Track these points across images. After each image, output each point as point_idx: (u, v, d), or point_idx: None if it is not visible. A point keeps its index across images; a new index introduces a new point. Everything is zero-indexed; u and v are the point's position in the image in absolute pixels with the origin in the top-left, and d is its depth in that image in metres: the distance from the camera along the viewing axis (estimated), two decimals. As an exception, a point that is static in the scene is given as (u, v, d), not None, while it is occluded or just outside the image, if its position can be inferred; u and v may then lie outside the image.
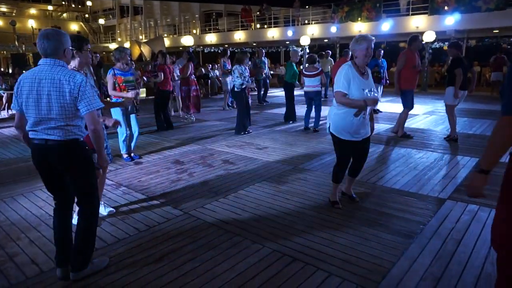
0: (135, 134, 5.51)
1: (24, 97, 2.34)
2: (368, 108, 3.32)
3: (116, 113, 5.18)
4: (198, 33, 25.81)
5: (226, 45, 23.52)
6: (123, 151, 5.48)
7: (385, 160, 5.28)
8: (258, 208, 3.69)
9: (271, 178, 4.59)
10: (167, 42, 24.80)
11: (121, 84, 5.15)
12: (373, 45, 3.25)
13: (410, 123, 8.01)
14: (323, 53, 12.95)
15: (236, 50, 12.45)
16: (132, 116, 5.45)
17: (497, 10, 13.55)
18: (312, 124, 7.53)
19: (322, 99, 8.01)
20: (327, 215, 3.51)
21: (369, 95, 3.24)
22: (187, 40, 17.81)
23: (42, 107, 2.30)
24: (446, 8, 14.71)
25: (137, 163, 5.34)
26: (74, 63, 3.03)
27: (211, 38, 24.09)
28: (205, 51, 24.43)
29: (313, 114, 7.56)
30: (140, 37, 29.41)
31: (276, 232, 3.19)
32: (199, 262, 2.73)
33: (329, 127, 3.50)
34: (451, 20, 14.28)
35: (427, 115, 9.17)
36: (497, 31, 15.56)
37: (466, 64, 6.02)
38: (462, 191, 4.08)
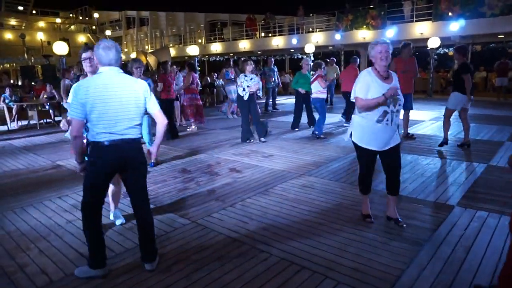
0: (147, 138, 5.56)
1: (99, 103, 2.49)
2: (393, 115, 3.16)
3: None
4: (203, 43, 26.04)
5: (231, 54, 23.72)
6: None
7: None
8: (265, 216, 3.70)
9: (278, 186, 4.59)
10: (172, 52, 25.04)
11: None
12: (390, 48, 3.15)
13: (416, 129, 7.98)
14: (328, 60, 12.99)
15: (240, 58, 12.54)
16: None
17: (502, 16, 13.53)
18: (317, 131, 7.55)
19: (327, 106, 8.03)
20: (335, 222, 3.50)
21: (391, 99, 3.12)
22: (193, 50, 17.86)
23: (120, 109, 2.54)
24: (450, 14, 14.71)
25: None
26: (88, 70, 3.24)
27: (216, 47, 24.31)
28: (211, 60, 24.63)
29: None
30: (146, 47, 29.79)
31: (284, 240, 3.18)
32: (207, 271, 2.73)
33: (350, 135, 3.40)
34: (455, 26, 14.28)
35: (434, 121, 9.12)
36: (502, 36, 15.50)
37: (472, 70, 6.01)
38: (471, 197, 4.05)
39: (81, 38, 36.52)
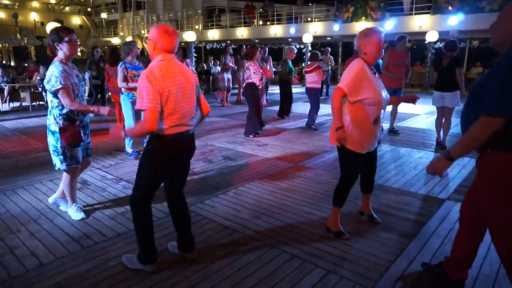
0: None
1: (174, 92, 2.30)
2: (382, 112, 2.92)
3: (126, 107, 5.20)
4: (200, 29, 25.73)
5: (229, 41, 23.49)
6: (128, 146, 5.49)
7: (385, 159, 5.29)
8: (257, 204, 3.70)
9: (271, 175, 4.60)
10: (169, 37, 24.74)
11: (133, 78, 5.18)
12: (382, 39, 2.81)
13: (411, 123, 8.01)
14: (323, 49, 12.92)
15: (242, 46, 12.44)
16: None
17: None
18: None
19: (322, 97, 8.01)
20: (327, 213, 3.51)
21: (386, 97, 2.88)
22: (190, 36, 17.71)
23: (189, 99, 2.42)
24: (449, 8, 14.65)
25: (137, 157, 5.35)
26: (60, 55, 3.11)
27: (213, 34, 24.04)
28: (207, 47, 24.39)
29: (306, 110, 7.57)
30: (143, 32, 29.35)
31: (275, 229, 3.20)
32: (197, 258, 2.74)
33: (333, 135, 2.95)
34: (454, 20, 14.23)
35: (428, 115, 9.15)
36: (500, 32, 15.48)
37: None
38: (462, 192, 4.09)
39: (76, 20, 35.96)
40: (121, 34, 32.52)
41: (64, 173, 3.34)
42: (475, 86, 2.01)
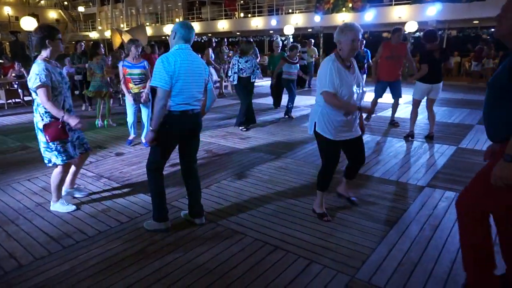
0: (146, 124, 5.52)
1: (183, 76, 2.79)
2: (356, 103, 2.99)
3: (128, 105, 5.55)
4: (181, 22, 25.40)
5: (210, 34, 23.26)
6: (133, 134, 5.78)
7: (366, 148, 5.34)
8: (240, 197, 3.71)
9: (254, 168, 4.60)
10: (149, 31, 24.32)
11: (126, 77, 5.32)
12: (360, 36, 2.88)
13: (391, 113, 8.11)
14: (306, 41, 12.93)
15: (224, 39, 12.31)
16: (143, 106, 5.57)
17: (477, 1, 13.76)
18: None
19: (305, 88, 8.06)
20: (308, 203, 3.54)
21: (358, 91, 2.96)
22: (170, 29, 17.44)
23: (197, 83, 2.91)
24: (427, -2, 14.86)
25: (118, 154, 5.27)
26: (46, 53, 3.13)
27: (194, 27, 23.63)
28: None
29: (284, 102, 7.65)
30: (122, 25, 28.76)
31: (258, 221, 3.21)
32: (181, 253, 2.73)
33: (314, 127, 3.08)
34: (433, 11, 14.45)
35: (408, 104, 9.26)
36: (477, 22, 15.82)
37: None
38: (441, 178, 4.19)
39: (52, 14, 34.92)
40: (100, 28, 31.80)
41: (58, 168, 3.32)
42: (499, 80, 1.96)
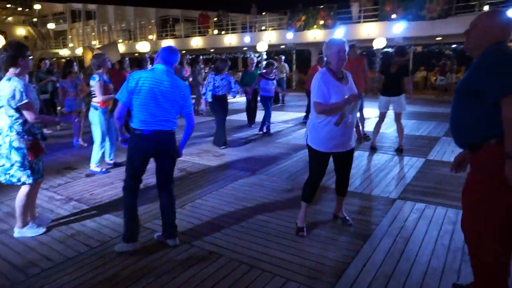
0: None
1: (143, 93, 2.87)
2: (350, 116, 3.05)
3: (100, 122, 5.07)
4: (154, 39, 25.33)
5: (184, 51, 23.27)
6: (96, 164, 5.20)
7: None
8: (215, 216, 3.67)
9: (229, 185, 4.58)
10: (122, 48, 24.12)
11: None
12: (346, 47, 3.05)
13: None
14: (276, 57, 13.16)
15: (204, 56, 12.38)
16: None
17: (439, 19, 14.50)
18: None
19: (279, 104, 8.16)
20: (284, 220, 3.55)
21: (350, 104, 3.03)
22: (143, 46, 17.36)
23: (161, 104, 2.90)
24: (394, 16, 15.51)
25: (88, 175, 5.11)
26: (16, 71, 3.05)
27: (168, 43, 23.71)
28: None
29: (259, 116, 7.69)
30: (94, 42, 28.36)
31: (234, 240, 3.18)
32: (154, 277, 2.65)
33: (306, 138, 3.21)
34: (399, 28, 15.06)
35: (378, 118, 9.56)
36: (439, 38, 16.60)
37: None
38: (411, 190, 4.30)
39: (21, 31, 34.05)
40: (71, 45, 31.22)
41: (26, 188, 3.21)
42: (464, 88, 2.09)
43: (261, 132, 7.78)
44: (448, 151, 5.97)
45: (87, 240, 3.22)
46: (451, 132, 2.23)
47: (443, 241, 3.10)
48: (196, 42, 22.57)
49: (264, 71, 7.96)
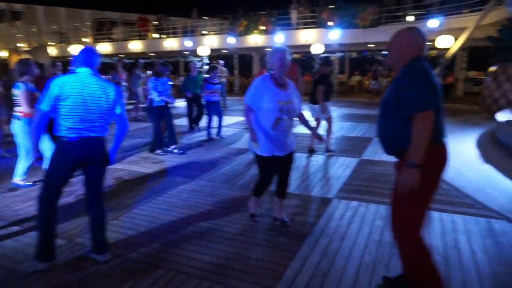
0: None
1: (72, 98, 2.69)
2: (287, 121, 3.21)
3: (26, 134, 4.50)
4: (90, 42, 24.05)
5: (123, 55, 22.41)
6: (21, 177, 4.71)
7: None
8: (152, 226, 3.53)
9: (167, 192, 4.44)
10: (53, 51, 22.61)
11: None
12: (288, 56, 3.19)
13: (300, 129, 8.57)
14: (215, 62, 13.18)
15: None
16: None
17: (371, 27, 15.48)
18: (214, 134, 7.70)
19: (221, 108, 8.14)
20: (224, 225, 3.52)
21: (284, 106, 3.13)
22: (76, 49, 16.30)
23: (90, 108, 2.75)
24: (330, 23, 16.26)
25: (11, 189, 4.67)
26: None
27: (105, 47, 22.67)
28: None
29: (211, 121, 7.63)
30: (21, 45, 26.19)
31: (172, 250, 3.08)
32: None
33: (250, 142, 3.35)
34: (335, 35, 15.80)
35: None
36: (372, 45, 17.72)
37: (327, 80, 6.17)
38: (346, 189, 4.49)
39: None
40: (-6, 47, 28.54)
41: None
42: (388, 99, 2.24)
43: (218, 137, 7.69)
44: (379, 152, 6.29)
45: (7, 262, 2.93)
46: (379, 141, 2.37)
47: (374, 236, 3.27)
48: (135, 45, 21.83)
49: (207, 75, 7.88)
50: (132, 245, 3.17)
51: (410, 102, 2.07)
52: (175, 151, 6.43)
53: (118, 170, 5.39)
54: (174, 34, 21.59)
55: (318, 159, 5.93)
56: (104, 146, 2.91)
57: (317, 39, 16.48)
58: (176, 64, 24.09)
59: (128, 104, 11.47)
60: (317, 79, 6.08)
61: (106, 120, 2.88)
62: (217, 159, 5.99)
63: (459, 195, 4.27)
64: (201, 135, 8.03)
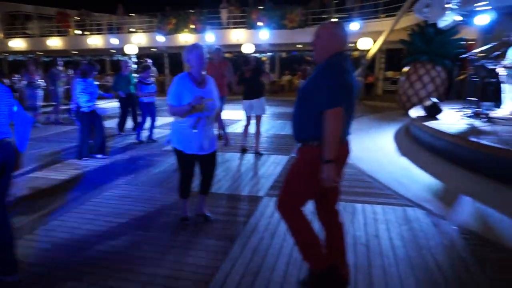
0: None
1: None
2: (206, 120, 3.22)
3: None
4: (1, 38, 21.72)
5: (40, 53, 20.62)
6: None
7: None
8: (75, 238, 3.27)
9: (92, 201, 4.16)
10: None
11: None
12: (205, 53, 3.20)
13: (234, 128, 8.63)
14: (142, 61, 12.74)
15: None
16: None
17: (299, 28, 16.08)
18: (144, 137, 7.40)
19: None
20: (155, 231, 3.40)
21: (209, 104, 3.16)
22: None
23: None
24: (260, 24, 16.56)
25: None
26: None
27: (18, 43, 20.66)
28: (10, 59, 20.75)
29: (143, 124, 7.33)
30: None
31: (98, 262, 2.89)
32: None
33: (170, 140, 3.39)
34: (265, 35, 16.13)
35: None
36: (300, 46, 18.41)
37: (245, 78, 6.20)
38: (277, 186, 4.60)
39: None
40: None
41: None
42: (304, 91, 2.32)
43: (151, 140, 7.32)
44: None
45: None
46: (291, 127, 2.50)
47: (302, 231, 3.39)
48: (54, 42, 20.17)
49: (139, 75, 7.48)
50: (50, 260, 2.91)
51: (321, 98, 2.17)
52: (99, 156, 6.04)
53: (34, 179, 4.92)
54: (98, 31, 20.36)
55: (249, 158, 6.00)
56: (10, 148, 2.63)
57: (248, 39, 16.70)
58: (102, 62, 22.73)
59: (47, 106, 10.59)
60: (254, 74, 6.09)
61: (4, 121, 2.60)
62: (147, 162, 5.77)
63: (380, 186, 4.60)
64: (131, 138, 7.68)
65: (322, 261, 2.42)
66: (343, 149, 2.37)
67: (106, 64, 23.49)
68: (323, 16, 16.38)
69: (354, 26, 14.51)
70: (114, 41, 18.48)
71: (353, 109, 2.33)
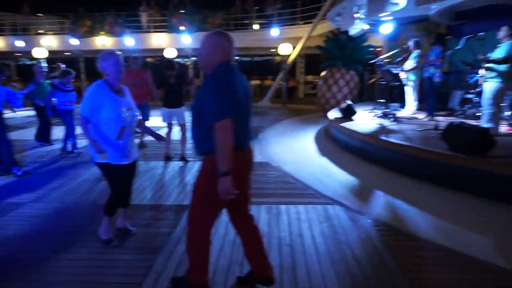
0: None
1: None
2: (130, 129, 3.10)
3: None
4: None
5: None
6: None
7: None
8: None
9: (7, 223, 3.71)
10: None
11: None
12: (121, 60, 3.06)
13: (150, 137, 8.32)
14: (54, 66, 11.79)
15: None
16: None
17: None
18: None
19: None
20: (71, 251, 3.12)
21: (126, 113, 3.02)
22: None
23: None
24: (182, 28, 16.30)
25: None
26: None
27: None
28: None
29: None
30: None
31: (-3, 292, 2.57)
32: None
33: (93, 156, 3.06)
34: (187, 39, 15.91)
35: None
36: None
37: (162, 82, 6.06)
38: (203, 194, 4.53)
39: None
40: None
41: None
42: (195, 105, 2.26)
43: (65, 151, 6.69)
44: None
45: None
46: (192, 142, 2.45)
47: (228, 237, 3.38)
48: None
49: (58, 81, 6.82)
50: None
51: (208, 111, 2.13)
52: (18, 172, 5.36)
53: None
54: (0, 31, 18.30)
55: (174, 166, 5.85)
56: None
57: (170, 43, 16.34)
58: (6, 67, 20.45)
59: None
60: (178, 81, 5.90)
61: None
62: (62, 176, 5.29)
63: (302, 187, 4.79)
64: (50, 149, 7.01)
65: (202, 279, 2.51)
66: (246, 156, 2.37)
67: (12, 69, 21.19)
68: (245, 22, 16.71)
69: (274, 32, 15.02)
70: (19, 43, 16.76)
71: (249, 114, 2.34)
